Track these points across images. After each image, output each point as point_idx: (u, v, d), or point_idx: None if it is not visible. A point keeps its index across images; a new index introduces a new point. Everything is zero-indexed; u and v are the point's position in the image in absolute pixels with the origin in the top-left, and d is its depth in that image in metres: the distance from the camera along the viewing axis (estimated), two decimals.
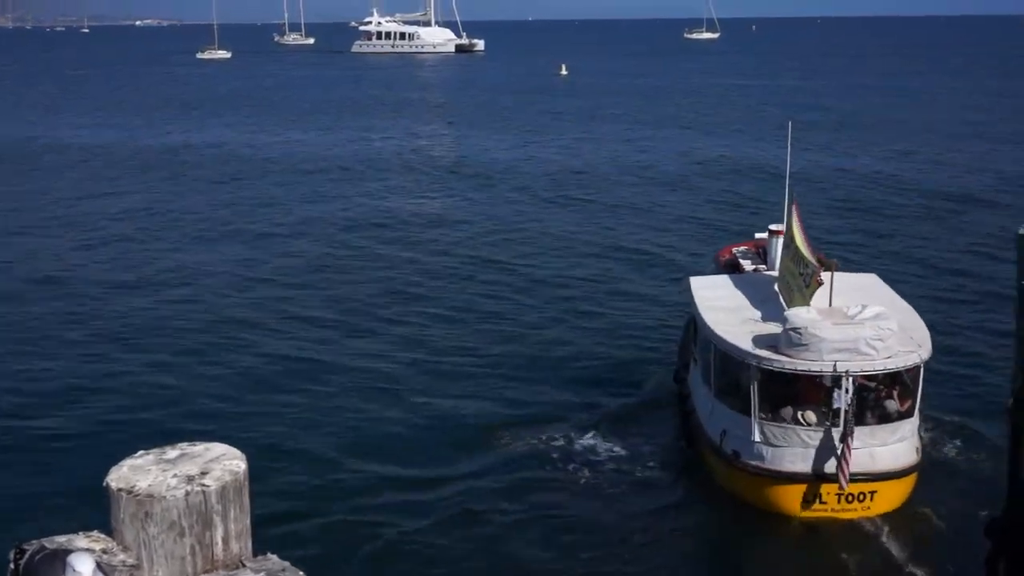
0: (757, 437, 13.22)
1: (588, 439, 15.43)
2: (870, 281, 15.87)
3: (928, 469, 13.88)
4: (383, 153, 47.36)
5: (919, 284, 22.76)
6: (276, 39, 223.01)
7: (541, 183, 38.00)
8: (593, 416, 16.28)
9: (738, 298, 15.14)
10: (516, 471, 14.58)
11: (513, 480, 14.31)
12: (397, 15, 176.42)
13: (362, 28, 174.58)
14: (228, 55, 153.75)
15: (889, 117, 58.31)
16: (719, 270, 17.64)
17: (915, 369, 13.09)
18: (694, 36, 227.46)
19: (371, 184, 38.90)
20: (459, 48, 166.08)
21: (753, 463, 13.29)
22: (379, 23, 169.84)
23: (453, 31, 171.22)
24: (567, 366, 18.68)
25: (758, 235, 18.46)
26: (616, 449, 15.15)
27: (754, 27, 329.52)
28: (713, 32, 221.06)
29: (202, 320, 21.54)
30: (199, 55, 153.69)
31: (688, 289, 15.96)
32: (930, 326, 13.89)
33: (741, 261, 17.58)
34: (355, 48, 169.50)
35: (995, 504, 11.69)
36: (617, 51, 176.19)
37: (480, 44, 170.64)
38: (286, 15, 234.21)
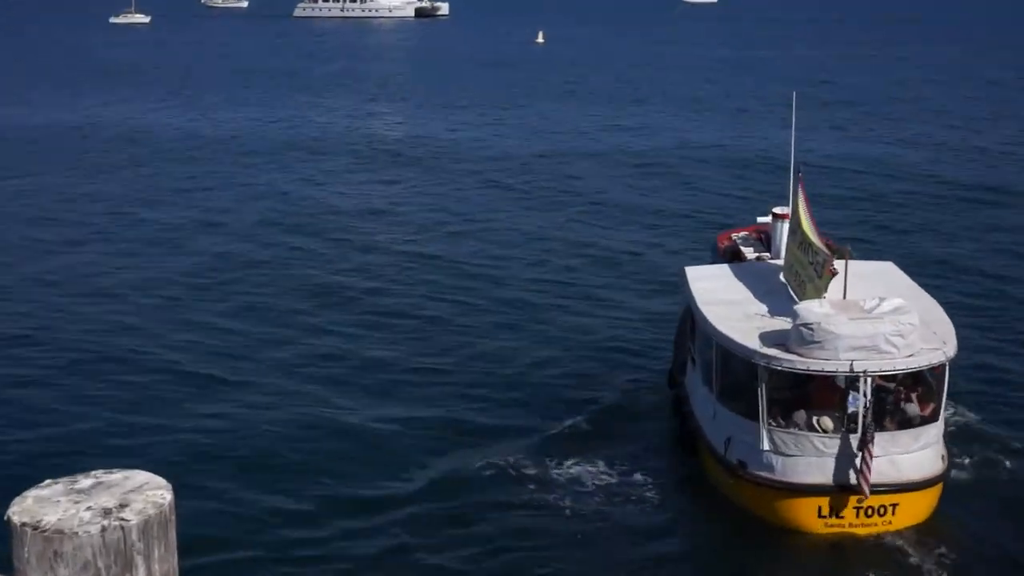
0: (766, 445, 13.23)
1: (565, 456, 15.20)
2: (887, 269, 16.01)
3: (967, 487, 14.05)
4: (324, 134, 46.84)
5: (947, 287, 22.37)
6: (204, 1, 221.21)
7: (504, 170, 37.69)
8: (568, 430, 16.11)
9: (741, 290, 15.14)
10: (478, 496, 14.28)
11: (476, 507, 14.03)
12: None
13: None
14: (147, 20, 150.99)
15: (910, 95, 58.42)
16: (718, 258, 17.70)
17: (940, 368, 13.21)
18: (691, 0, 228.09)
19: (306, 169, 38.39)
20: (419, 12, 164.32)
21: (763, 474, 13.31)
22: None
23: None
24: (534, 376, 18.41)
25: (760, 219, 18.53)
26: (599, 466, 14.99)
27: None
28: None
29: (95, 328, 20.94)
30: (113, 20, 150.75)
31: (684, 280, 15.93)
32: (964, 337, 13.96)
33: (742, 248, 17.64)
34: (298, 12, 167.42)
35: None
36: (602, 16, 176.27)
37: (444, 7, 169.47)
38: None
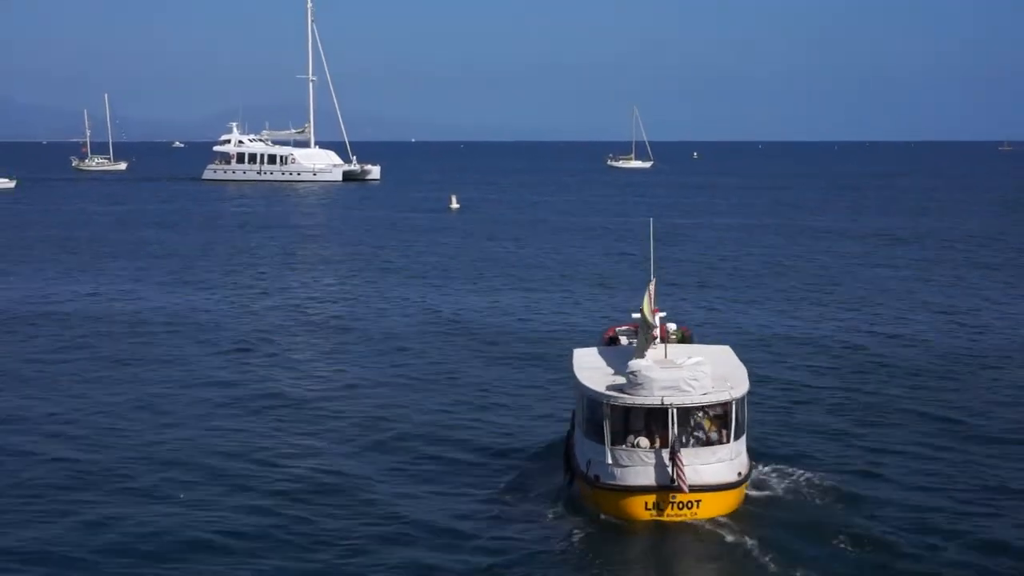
0: (610, 460, 22.38)
1: (489, 500, 24.73)
2: (720, 349, 26.16)
3: (771, 494, 24.04)
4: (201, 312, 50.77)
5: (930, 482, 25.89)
6: (75, 163, 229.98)
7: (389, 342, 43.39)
8: (492, 481, 25.92)
9: (608, 361, 24.87)
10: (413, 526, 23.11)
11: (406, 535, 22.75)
12: (264, 132, 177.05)
13: (218, 148, 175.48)
14: (11, 184, 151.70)
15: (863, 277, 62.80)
16: (603, 345, 27.56)
17: (726, 404, 22.56)
18: (620, 164, 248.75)
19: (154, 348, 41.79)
20: (348, 176, 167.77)
21: (609, 482, 22.38)
22: (240, 142, 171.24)
23: (339, 154, 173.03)
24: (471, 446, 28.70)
25: (635, 315, 28.82)
26: (510, 499, 24.59)
27: (696, 154, 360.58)
28: (645, 160, 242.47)
29: None
30: None
31: (570, 357, 25.86)
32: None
33: (621, 337, 27.29)
34: (208, 174, 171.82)
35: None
36: (523, 180, 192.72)
37: (375, 171, 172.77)
38: (88, 132, 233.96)
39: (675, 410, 22.49)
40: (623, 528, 22.64)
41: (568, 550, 22.13)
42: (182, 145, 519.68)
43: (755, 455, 25.14)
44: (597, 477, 22.91)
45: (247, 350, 42.18)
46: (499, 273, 64.29)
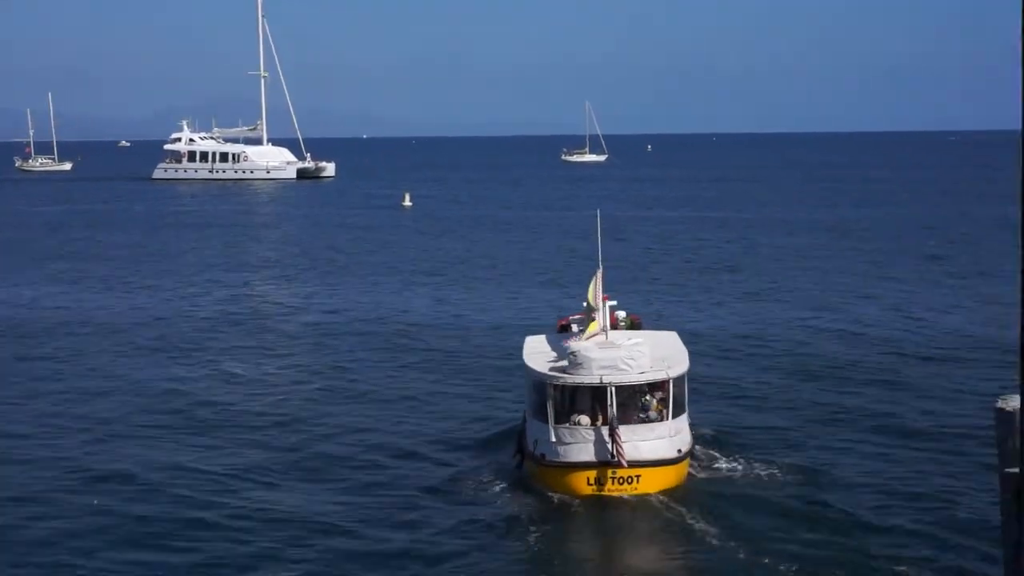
0: (554, 438, 23.26)
1: (453, 478, 25.68)
2: (666, 334, 27.31)
3: (716, 472, 24.92)
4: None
5: (874, 473, 26.16)
6: (18, 164, 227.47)
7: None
8: (452, 462, 26.93)
9: (556, 346, 25.80)
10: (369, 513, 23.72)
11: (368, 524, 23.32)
12: (216, 130, 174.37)
13: (168, 147, 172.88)
14: None
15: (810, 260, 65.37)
16: (556, 333, 28.53)
17: (664, 383, 23.45)
18: (574, 158, 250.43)
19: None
20: (302, 173, 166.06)
21: (553, 459, 23.26)
22: (191, 140, 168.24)
23: (293, 151, 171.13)
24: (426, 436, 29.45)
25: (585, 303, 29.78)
26: (470, 475, 25.58)
27: (649, 147, 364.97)
28: (599, 154, 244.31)
29: None
30: None
31: (523, 343, 26.79)
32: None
33: (573, 325, 28.39)
34: (159, 174, 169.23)
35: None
36: (476, 176, 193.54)
37: (330, 168, 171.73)
38: (31, 132, 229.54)
39: (613, 388, 23.35)
40: (568, 505, 23.53)
41: (513, 530, 22.90)
42: (128, 144, 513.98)
43: (700, 441, 26.12)
44: (543, 455, 23.81)
45: (171, 352, 41.78)
46: (445, 270, 64.28)
